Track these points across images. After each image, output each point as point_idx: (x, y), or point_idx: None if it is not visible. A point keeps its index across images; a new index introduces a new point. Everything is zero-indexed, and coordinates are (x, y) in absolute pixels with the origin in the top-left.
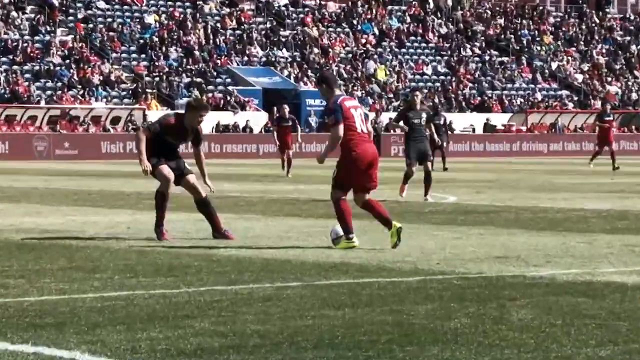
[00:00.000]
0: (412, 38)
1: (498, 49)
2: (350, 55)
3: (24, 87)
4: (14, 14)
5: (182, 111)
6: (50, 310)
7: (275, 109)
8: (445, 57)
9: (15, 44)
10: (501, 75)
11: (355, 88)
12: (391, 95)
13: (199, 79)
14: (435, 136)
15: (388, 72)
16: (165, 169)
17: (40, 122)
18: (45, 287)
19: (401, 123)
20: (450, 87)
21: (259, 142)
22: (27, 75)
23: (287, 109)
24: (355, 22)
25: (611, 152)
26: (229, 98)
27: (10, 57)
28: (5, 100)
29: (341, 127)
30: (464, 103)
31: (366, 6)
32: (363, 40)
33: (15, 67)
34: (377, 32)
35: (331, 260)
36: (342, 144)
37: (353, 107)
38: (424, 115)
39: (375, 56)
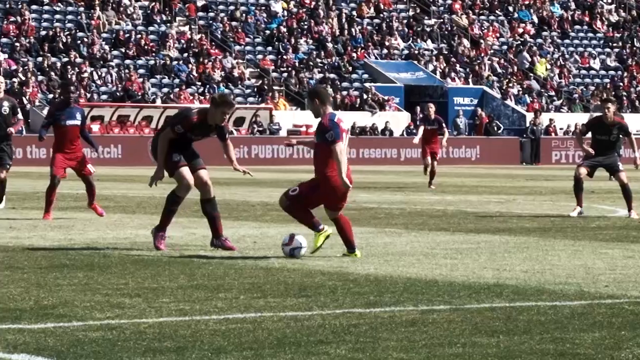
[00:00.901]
0: (577, 27)
1: None
2: (504, 47)
3: (137, 84)
4: (126, 1)
5: (207, 106)
6: (170, 333)
7: (418, 108)
8: (616, 49)
9: (128, 35)
10: None
11: (511, 85)
12: (552, 93)
13: (332, 75)
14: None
15: (549, 67)
16: (187, 173)
17: (156, 123)
18: (164, 308)
19: (586, 145)
20: (622, 84)
21: (400, 147)
22: (141, 71)
23: (432, 108)
24: (511, 9)
25: None
26: (366, 96)
27: (123, 50)
28: (118, 98)
29: (341, 144)
30: (637, 102)
31: None
32: (520, 30)
33: (128, 61)
34: (536, 20)
35: (483, 281)
36: (325, 164)
37: (345, 132)
38: (615, 131)
39: (534, 48)
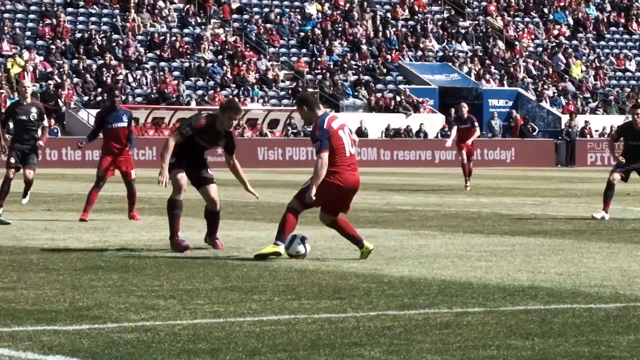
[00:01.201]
0: (613, 29)
1: None
2: (539, 49)
3: (172, 86)
4: (161, 3)
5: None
6: (204, 335)
7: (453, 110)
8: None
9: (162, 37)
10: None
11: (546, 87)
12: (587, 95)
13: (366, 77)
14: None
15: (584, 69)
16: (180, 176)
17: None
18: (199, 309)
19: (618, 151)
20: None
21: (434, 148)
22: (176, 73)
23: (465, 107)
24: (546, 10)
25: None
26: (400, 98)
27: (158, 52)
28: (153, 100)
29: (326, 155)
30: None
31: None
32: (555, 32)
33: (162, 63)
34: (571, 22)
35: (518, 284)
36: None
37: (340, 128)
38: None
39: (570, 50)
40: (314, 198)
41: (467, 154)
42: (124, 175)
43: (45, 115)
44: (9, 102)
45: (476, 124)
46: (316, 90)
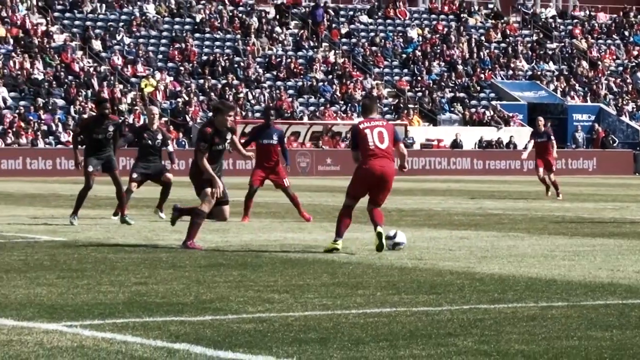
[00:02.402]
0: None
1: None
2: (620, 68)
3: (287, 103)
4: (278, 29)
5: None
6: (314, 326)
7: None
8: None
9: (279, 59)
10: None
11: (625, 102)
12: None
13: (462, 94)
14: None
15: None
16: (213, 196)
17: (303, 138)
18: (309, 303)
19: None
20: None
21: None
22: (291, 91)
23: (542, 121)
24: (626, 33)
25: None
26: (492, 113)
27: (275, 72)
28: None
29: (354, 153)
30: None
31: (639, 16)
32: (635, 52)
33: (279, 82)
34: None
35: (598, 281)
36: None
37: (369, 128)
38: None
39: None
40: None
41: (548, 167)
42: (277, 186)
43: (168, 141)
44: (142, 119)
45: (552, 137)
46: (416, 106)
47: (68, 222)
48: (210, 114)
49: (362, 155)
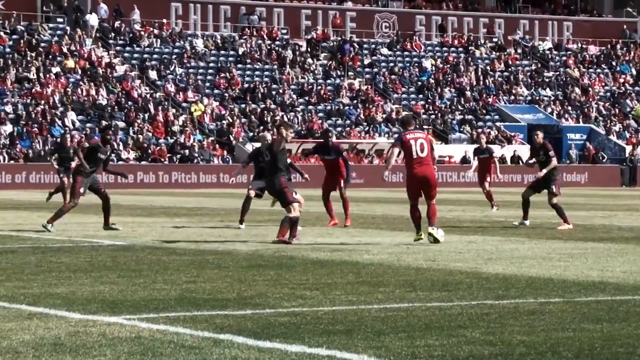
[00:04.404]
0: None
1: None
2: (608, 94)
3: (317, 125)
4: (309, 60)
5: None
6: (341, 319)
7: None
8: None
9: (310, 87)
10: None
11: (613, 123)
12: None
13: (470, 116)
14: None
15: None
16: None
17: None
18: (337, 299)
19: None
20: None
21: (523, 172)
22: (320, 114)
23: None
24: (614, 63)
25: None
26: (496, 133)
27: (306, 98)
28: (302, 136)
29: (395, 150)
30: None
31: (625, 49)
32: (621, 80)
33: (310, 107)
34: (634, 72)
35: (590, 280)
36: (405, 165)
37: (413, 139)
38: None
39: (633, 94)
40: (386, 173)
41: (485, 179)
42: (335, 188)
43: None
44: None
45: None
46: (430, 127)
47: (42, 226)
48: (274, 130)
49: (407, 163)
